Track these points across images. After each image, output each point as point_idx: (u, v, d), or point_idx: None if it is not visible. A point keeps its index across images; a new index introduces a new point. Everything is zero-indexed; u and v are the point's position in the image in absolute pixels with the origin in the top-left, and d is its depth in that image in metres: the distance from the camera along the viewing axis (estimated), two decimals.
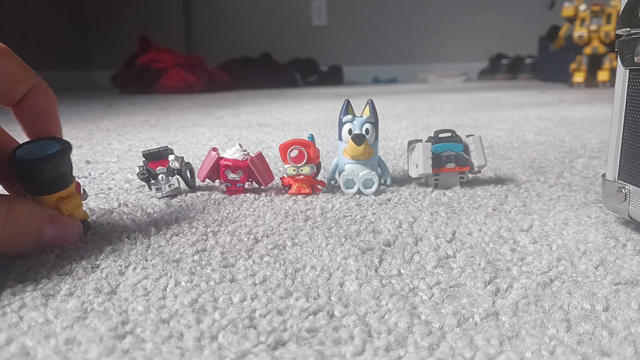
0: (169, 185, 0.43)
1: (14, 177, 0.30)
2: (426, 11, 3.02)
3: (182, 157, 0.44)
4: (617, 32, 0.31)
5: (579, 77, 1.79)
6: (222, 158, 0.43)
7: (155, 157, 0.43)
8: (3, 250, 0.27)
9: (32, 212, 0.28)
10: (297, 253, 0.30)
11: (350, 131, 0.43)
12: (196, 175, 0.46)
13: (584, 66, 1.78)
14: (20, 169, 0.29)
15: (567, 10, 1.81)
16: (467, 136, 0.45)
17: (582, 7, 1.77)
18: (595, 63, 1.77)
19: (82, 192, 0.34)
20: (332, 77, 2.75)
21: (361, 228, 0.34)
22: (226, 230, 0.34)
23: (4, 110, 0.31)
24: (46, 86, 0.30)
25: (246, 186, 0.43)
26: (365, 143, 0.42)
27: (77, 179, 0.33)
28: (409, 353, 0.19)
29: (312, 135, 0.45)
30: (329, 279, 0.26)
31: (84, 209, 0.33)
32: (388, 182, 0.46)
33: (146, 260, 0.29)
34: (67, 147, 0.30)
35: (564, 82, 1.96)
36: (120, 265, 0.28)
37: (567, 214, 0.36)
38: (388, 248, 0.30)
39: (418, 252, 0.30)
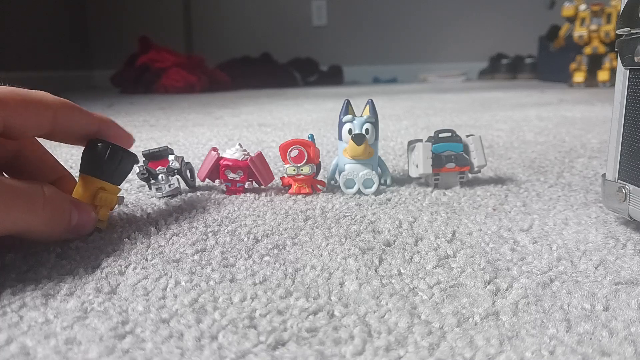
0: (169, 185, 0.43)
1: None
2: (426, 11, 3.02)
3: (182, 157, 0.44)
4: (617, 32, 0.31)
5: (579, 77, 1.79)
6: (222, 158, 0.43)
7: (155, 157, 0.43)
8: (41, 232, 0.28)
9: (61, 194, 0.29)
10: (297, 253, 0.30)
11: (350, 131, 0.43)
12: (196, 175, 0.46)
13: (584, 66, 1.78)
14: (96, 146, 0.32)
15: (567, 10, 1.80)
16: (467, 136, 0.45)
17: (582, 7, 1.77)
18: (595, 63, 1.76)
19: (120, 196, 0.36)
20: (332, 77, 2.74)
21: (361, 228, 0.34)
22: (226, 230, 0.34)
23: None
24: (110, 121, 0.34)
25: (246, 186, 0.43)
26: (365, 143, 0.42)
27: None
28: (409, 353, 0.19)
29: (312, 135, 0.45)
30: (329, 279, 0.26)
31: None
32: (388, 182, 0.46)
33: (146, 260, 0.29)
34: (135, 156, 0.35)
35: (564, 82, 1.95)
36: (120, 265, 0.28)
37: (567, 214, 0.36)
38: (388, 248, 0.30)
39: (418, 252, 0.30)
